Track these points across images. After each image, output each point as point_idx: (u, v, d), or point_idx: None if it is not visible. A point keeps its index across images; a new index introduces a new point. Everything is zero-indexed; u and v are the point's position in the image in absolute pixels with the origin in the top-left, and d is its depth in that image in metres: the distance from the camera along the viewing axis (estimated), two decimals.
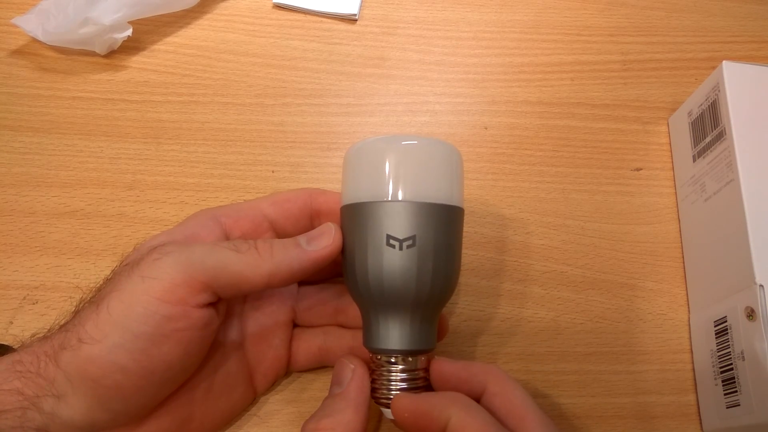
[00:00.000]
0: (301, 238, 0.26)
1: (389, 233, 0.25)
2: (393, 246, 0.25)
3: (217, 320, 0.25)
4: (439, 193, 0.26)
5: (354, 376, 0.26)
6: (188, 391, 0.27)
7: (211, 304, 0.25)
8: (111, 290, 0.23)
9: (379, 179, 0.26)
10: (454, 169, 0.27)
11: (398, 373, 0.26)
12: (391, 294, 0.26)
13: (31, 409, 0.22)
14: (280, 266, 0.25)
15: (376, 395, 0.27)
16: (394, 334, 0.26)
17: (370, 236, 0.26)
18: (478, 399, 0.26)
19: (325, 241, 0.26)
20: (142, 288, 0.23)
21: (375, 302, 0.26)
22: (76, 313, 0.25)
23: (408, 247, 0.25)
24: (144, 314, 0.23)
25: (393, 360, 0.26)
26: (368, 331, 0.27)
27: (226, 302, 0.27)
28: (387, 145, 0.26)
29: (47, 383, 0.22)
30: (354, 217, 0.26)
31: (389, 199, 0.26)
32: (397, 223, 0.25)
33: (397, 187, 0.26)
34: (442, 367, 0.27)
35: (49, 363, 0.23)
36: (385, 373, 0.26)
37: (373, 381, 0.27)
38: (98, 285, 0.26)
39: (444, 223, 0.26)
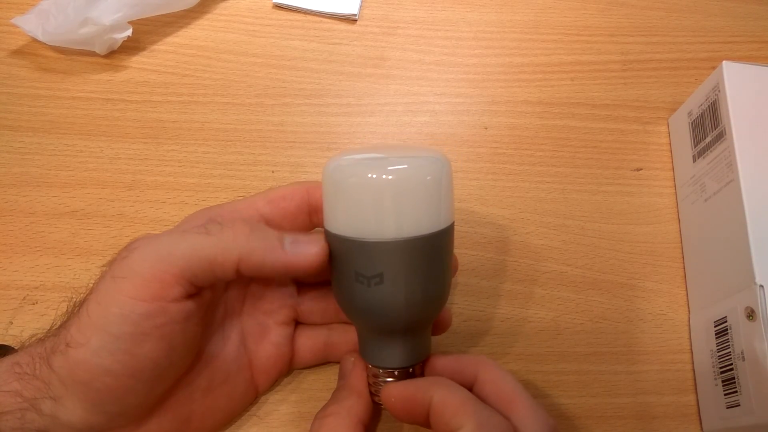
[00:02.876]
0: (287, 237, 0.25)
1: (357, 270, 0.25)
2: (362, 282, 0.25)
3: (199, 311, 0.25)
4: (414, 226, 0.24)
5: (354, 367, 0.28)
6: (188, 390, 0.27)
7: (191, 296, 0.24)
8: (89, 293, 0.23)
9: (349, 214, 0.25)
10: (437, 193, 0.25)
11: (394, 382, 0.27)
12: (368, 323, 0.26)
13: (30, 411, 0.22)
14: (251, 253, 0.24)
15: (375, 399, 0.28)
16: (384, 354, 0.27)
17: (342, 270, 0.25)
18: (470, 388, 0.26)
19: (307, 250, 0.25)
20: (114, 288, 0.22)
21: (359, 325, 0.27)
22: (69, 315, 0.25)
23: (376, 284, 0.24)
24: (120, 315, 0.22)
25: (387, 372, 0.27)
26: (361, 346, 0.28)
27: (210, 291, 0.26)
28: (361, 174, 0.24)
29: (44, 385, 0.22)
30: (330, 245, 0.26)
31: (356, 236, 0.24)
32: (364, 262, 0.24)
33: (365, 226, 0.24)
34: (435, 361, 0.28)
35: (43, 365, 0.23)
36: (381, 383, 0.27)
37: (370, 385, 0.28)
38: (89, 287, 0.26)
39: (418, 253, 0.25)
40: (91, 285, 0.25)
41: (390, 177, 0.24)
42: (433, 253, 0.25)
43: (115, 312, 0.22)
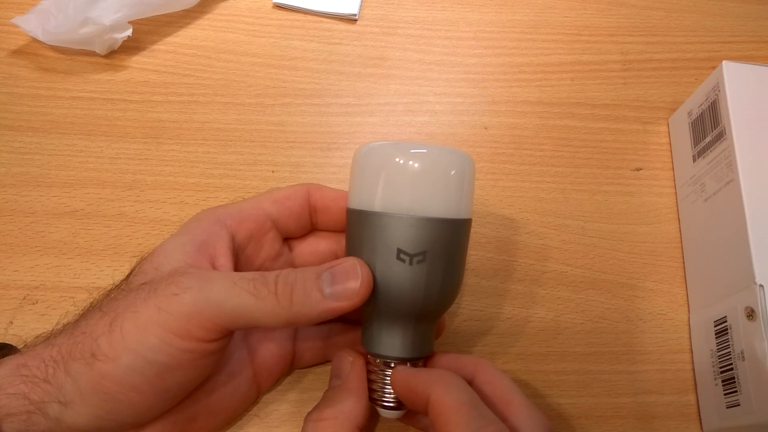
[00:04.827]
0: (325, 281, 0.24)
1: (400, 247, 0.25)
2: (403, 260, 0.25)
3: (229, 342, 0.26)
4: (451, 207, 0.26)
5: (353, 367, 0.27)
6: (192, 392, 0.27)
7: (227, 334, 0.24)
8: (124, 309, 0.23)
9: (393, 191, 0.25)
10: (467, 180, 0.26)
11: (404, 368, 0.27)
12: (397, 306, 0.26)
13: (36, 414, 0.22)
14: (299, 316, 0.24)
15: (372, 396, 0.27)
16: (394, 342, 0.26)
17: (380, 248, 0.25)
18: None
19: (351, 287, 0.24)
20: (157, 319, 0.23)
21: (379, 311, 0.26)
22: (82, 317, 0.24)
23: (418, 262, 0.25)
24: (158, 345, 0.23)
25: (392, 365, 0.27)
26: (368, 335, 0.27)
27: None
28: (401, 154, 0.25)
29: (55, 389, 0.22)
30: (363, 225, 0.26)
31: (402, 213, 0.25)
32: (410, 238, 0.25)
33: (411, 201, 0.25)
34: (434, 360, 0.28)
35: (57, 370, 0.23)
36: (381, 377, 0.27)
37: (369, 382, 0.27)
38: (107, 289, 0.26)
39: (455, 237, 0.26)
40: (109, 289, 0.25)
41: (445, 156, 0.26)
42: (465, 239, 0.27)
43: (154, 341, 0.22)
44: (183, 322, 0.23)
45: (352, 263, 0.25)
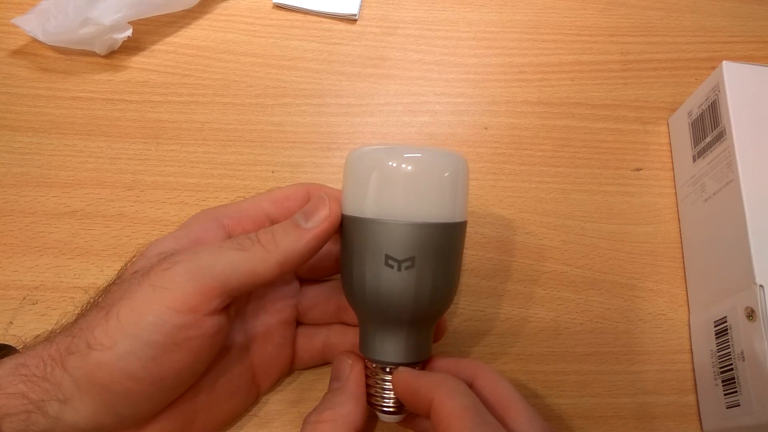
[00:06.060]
0: (298, 217, 0.26)
1: (388, 253, 0.25)
2: (391, 266, 0.25)
3: (228, 325, 0.26)
4: (442, 212, 0.25)
5: (352, 370, 0.27)
6: (192, 392, 0.27)
7: (223, 309, 0.25)
8: (120, 297, 0.23)
9: (380, 196, 0.25)
10: (459, 183, 0.26)
11: (406, 370, 0.26)
12: (388, 311, 0.26)
13: (35, 413, 0.22)
14: (287, 253, 0.25)
15: (371, 401, 0.27)
16: (389, 347, 0.26)
17: (369, 254, 0.25)
18: None
19: (322, 214, 0.25)
20: (153, 297, 0.23)
21: (371, 316, 0.27)
22: (81, 315, 0.25)
23: (407, 268, 0.25)
24: (155, 323, 0.23)
25: (387, 369, 0.27)
26: (364, 340, 0.27)
27: (236, 304, 0.27)
28: (391, 159, 0.25)
29: (54, 387, 0.22)
30: (354, 231, 0.26)
31: (390, 219, 0.25)
32: (397, 244, 0.25)
33: (398, 207, 0.25)
34: (434, 363, 0.28)
35: (55, 367, 0.23)
36: (379, 381, 0.27)
37: (368, 386, 0.27)
38: (104, 287, 0.26)
39: (445, 241, 0.26)
40: (106, 286, 0.25)
41: (433, 160, 0.26)
42: (457, 243, 0.27)
43: (150, 320, 0.23)
44: (179, 294, 0.23)
45: (318, 196, 0.26)
